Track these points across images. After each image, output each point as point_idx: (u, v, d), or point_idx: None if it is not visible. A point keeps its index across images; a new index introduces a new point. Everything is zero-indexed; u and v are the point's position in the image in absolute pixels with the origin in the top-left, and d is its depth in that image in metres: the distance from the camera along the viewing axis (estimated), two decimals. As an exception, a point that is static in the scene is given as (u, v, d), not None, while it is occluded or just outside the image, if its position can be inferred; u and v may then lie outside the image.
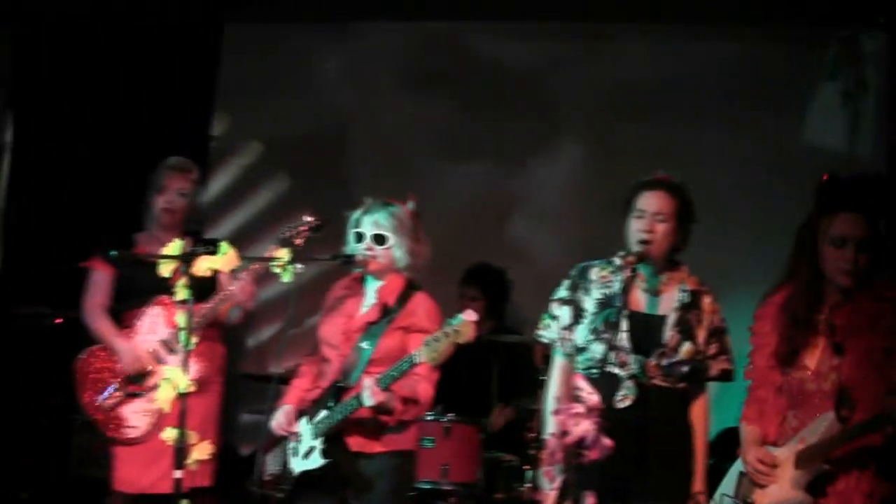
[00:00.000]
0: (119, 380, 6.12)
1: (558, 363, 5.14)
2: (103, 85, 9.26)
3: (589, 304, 5.03)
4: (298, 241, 5.45)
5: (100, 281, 6.28)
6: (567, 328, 5.07)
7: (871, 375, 4.58)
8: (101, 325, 6.22)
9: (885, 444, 4.50)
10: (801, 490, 4.65)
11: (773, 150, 8.37)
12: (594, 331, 4.96)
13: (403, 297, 5.41)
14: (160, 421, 5.93)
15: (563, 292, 5.13)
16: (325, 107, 9.33)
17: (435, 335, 4.91)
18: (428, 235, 5.55)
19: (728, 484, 5.09)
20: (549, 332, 5.14)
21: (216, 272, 5.39)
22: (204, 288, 5.96)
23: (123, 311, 6.23)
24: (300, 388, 5.60)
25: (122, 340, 6.12)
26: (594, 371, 4.79)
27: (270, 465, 5.57)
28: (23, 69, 9.54)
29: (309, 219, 5.52)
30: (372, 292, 5.48)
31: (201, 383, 5.23)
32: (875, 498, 4.61)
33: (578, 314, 5.04)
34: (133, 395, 6.10)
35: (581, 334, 5.02)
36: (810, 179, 5.02)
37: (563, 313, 5.09)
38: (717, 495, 5.09)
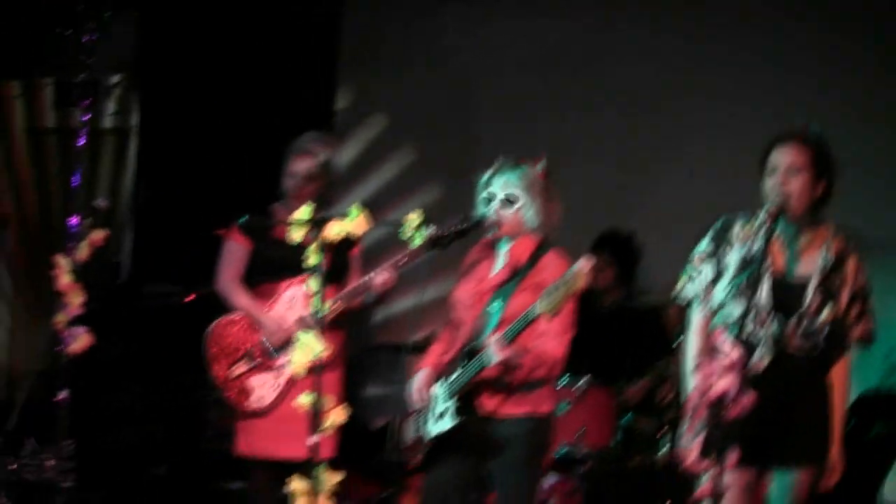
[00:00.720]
0: (252, 351, 6.16)
1: (697, 320, 5.04)
2: (226, 64, 9.38)
3: (730, 260, 4.93)
4: (446, 242, 5.42)
5: (235, 252, 6.27)
6: (708, 284, 4.98)
7: None
8: (239, 297, 6.22)
9: None
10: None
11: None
12: (735, 289, 4.86)
13: (535, 256, 5.33)
14: (288, 391, 5.99)
15: (705, 246, 5.03)
16: (449, 76, 9.29)
17: (553, 285, 4.85)
18: (561, 196, 5.48)
19: None
20: (690, 287, 5.05)
21: (345, 253, 5.43)
22: (339, 268, 6.01)
23: (261, 283, 6.23)
24: (436, 353, 5.58)
25: (265, 312, 6.15)
26: (733, 331, 4.71)
27: (407, 431, 5.59)
28: (146, 51, 9.70)
29: (459, 223, 5.42)
30: (503, 253, 5.43)
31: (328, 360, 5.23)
32: None
33: (720, 270, 4.96)
34: (262, 368, 6.14)
35: (721, 291, 4.93)
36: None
37: (706, 269, 4.99)
38: None
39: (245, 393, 6.13)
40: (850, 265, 4.85)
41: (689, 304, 5.10)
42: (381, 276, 5.82)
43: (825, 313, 4.79)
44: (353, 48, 9.59)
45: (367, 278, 5.90)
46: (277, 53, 9.38)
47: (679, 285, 5.07)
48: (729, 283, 4.87)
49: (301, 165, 6.19)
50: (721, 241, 4.95)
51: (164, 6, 9.53)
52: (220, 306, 6.37)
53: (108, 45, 7.35)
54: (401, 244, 5.21)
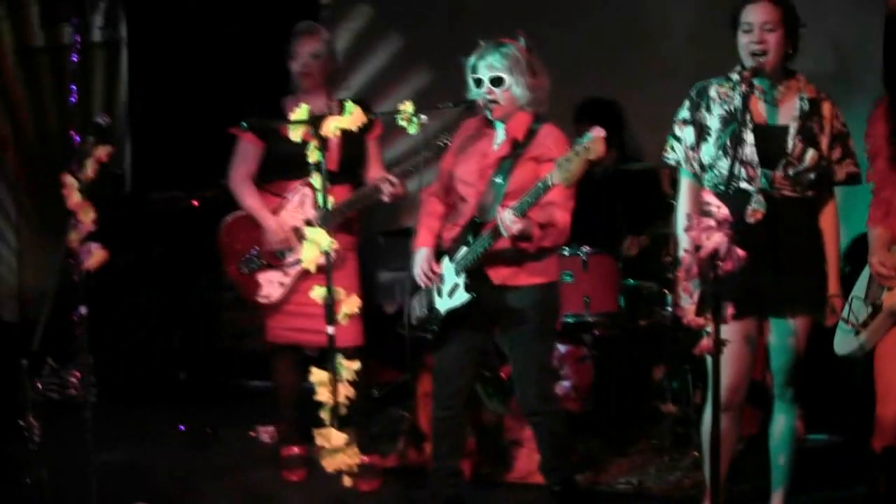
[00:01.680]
0: (259, 250, 6.31)
1: (686, 183, 5.21)
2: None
3: (712, 121, 5.07)
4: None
5: (247, 150, 6.41)
6: (692, 147, 5.13)
7: None
8: (248, 197, 6.37)
9: None
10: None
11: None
12: (721, 147, 5.00)
13: (532, 131, 5.44)
14: (298, 286, 6.15)
15: (684, 112, 5.18)
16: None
17: (566, 156, 4.93)
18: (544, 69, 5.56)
19: (860, 287, 5.16)
20: (674, 153, 5.20)
21: (361, 141, 5.54)
22: (352, 164, 6.12)
23: (273, 181, 6.37)
24: (431, 229, 5.67)
25: (268, 215, 6.29)
26: (722, 187, 4.84)
27: (417, 308, 5.68)
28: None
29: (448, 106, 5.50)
30: (501, 130, 5.53)
31: (338, 255, 5.33)
32: None
33: (702, 132, 5.09)
34: (270, 266, 6.29)
35: (707, 152, 5.07)
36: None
37: (687, 133, 5.14)
38: (850, 298, 5.16)
39: (255, 289, 6.30)
40: (826, 110, 5.04)
41: (676, 168, 5.26)
42: (389, 186, 5.96)
43: (808, 157, 4.95)
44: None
45: (374, 186, 6.02)
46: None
47: (665, 150, 5.23)
48: (714, 142, 5.01)
49: (308, 45, 6.33)
50: (699, 105, 5.10)
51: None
52: (227, 207, 6.51)
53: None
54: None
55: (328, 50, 6.40)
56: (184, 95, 9.40)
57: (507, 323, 5.47)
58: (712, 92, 5.10)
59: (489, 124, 5.58)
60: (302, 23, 6.50)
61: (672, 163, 5.22)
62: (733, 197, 4.64)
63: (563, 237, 5.43)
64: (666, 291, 7.04)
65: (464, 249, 5.41)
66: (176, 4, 9.45)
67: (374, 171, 6.35)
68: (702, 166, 5.10)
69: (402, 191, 6.03)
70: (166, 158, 9.37)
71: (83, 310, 5.08)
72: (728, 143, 4.96)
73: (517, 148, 5.43)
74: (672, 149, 5.20)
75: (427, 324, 5.60)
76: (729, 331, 4.25)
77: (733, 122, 4.95)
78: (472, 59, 5.49)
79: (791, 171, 4.94)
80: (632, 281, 7.34)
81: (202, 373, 8.94)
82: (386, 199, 6.06)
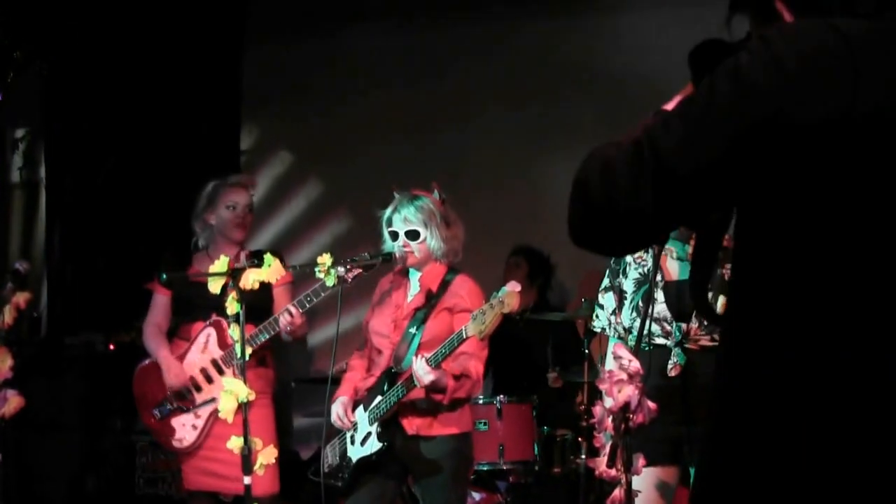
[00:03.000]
0: (169, 395, 6.33)
1: (611, 346, 5.29)
2: (130, 111, 9.43)
3: (627, 285, 5.19)
4: (350, 277, 5.48)
5: (158, 302, 6.46)
6: (613, 313, 5.23)
7: None
8: (152, 342, 6.40)
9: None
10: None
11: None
12: (635, 308, 5.11)
13: (445, 282, 5.53)
14: (211, 430, 6.16)
15: (605, 281, 5.30)
16: (345, 108, 9.43)
17: (481, 308, 5.02)
18: (460, 218, 5.66)
19: None
20: (598, 320, 5.31)
21: (269, 287, 5.57)
22: (259, 305, 6.14)
23: (180, 325, 6.40)
24: (352, 381, 5.74)
25: (168, 358, 6.30)
26: (645, 346, 4.91)
27: (329, 456, 5.71)
28: (51, 103, 9.73)
29: (369, 260, 5.52)
30: (415, 281, 5.62)
31: (255, 396, 5.32)
32: None
33: (621, 298, 5.20)
34: (181, 410, 6.30)
35: (626, 315, 5.17)
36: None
37: (608, 300, 5.25)
38: None
39: (170, 434, 6.30)
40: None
41: (601, 334, 5.36)
42: (286, 317, 5.93)
43: (720, 304, 5.00)
44: (253, 88, 9.71)
45: (272, 320, 6.04)
46: (181, 99, 9.45)
47: (592, 318, 5.33)
48: (629, 305, 5.12)
49: (244, 197, 6.38)
50: (617, 272, 5.21)
51: (68, 61, 9.56)
52: (143, 350, 6.55)
53: (14, 98, 7.41)
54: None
55: (252, 203, 6.49)
56: (101, 238, 9.41)
57: (420, 472, 5.50)
58: (628, 257, 5.22)
59: (405, 274, 5.67)
60: (235, 175, 6.61)
61: (598, 330, 5.32)
62: (657, 354, 4.73)
63: (476, 388, 5.49)
64: (581, 440, 7.09)
65: (378, 398, 5.46)
66: (98, 146, 9.50)
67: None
68: (625, 329, 5.19)
69: (298, 322, 5.93)
70: (84, 300, 9.36)
71: (-1, 457, 5.08)
72: (640, 304, 5.06)
73: (431, 299, 5.51)
74: (597, 317, 5.31)
75: (339, 471, 5.62)
76: (643, 480, 4.31)
77: (645, 283, 5.06)
78: (387, 212, 5.58)
79: (704, 322, 5.02)
80: (546, 429, 7.37)
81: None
82: (282, 328, 5.94)
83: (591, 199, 2.04)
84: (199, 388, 6.24)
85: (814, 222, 1.96)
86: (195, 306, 6.17)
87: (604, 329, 5.29)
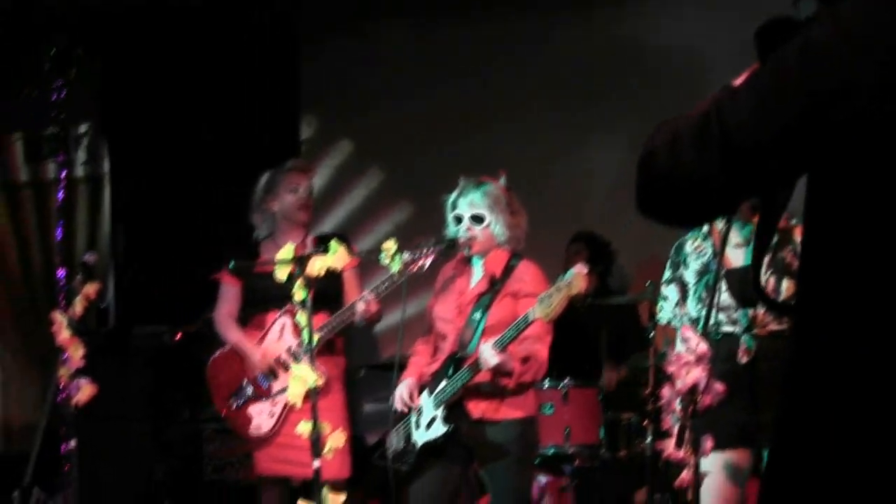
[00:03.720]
0: (246, 382, 6.37)
1: (679, 330, 5.28)
2: (191, 103, 9.50)
3: (689, 276, 5.19)
4: (415, 267, 5.56)
5: (228, 292, 6.49)
6: (678, 304, 5.24)
7: None
8: (230, 332, 6.43)
9: None
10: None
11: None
12: (699, 299, 5.11)
13: (509, 267, 5.55)
14: (288, 417, 6.20)
15: (666, 273, 5.32)
16: (410, 98, 9.43)
17: (548, 291, 5.04)
18: (523, 206, 5.69)
19: None
20: (664, 313, 5.32)
21: (338, 273, 5.61)
22: (329, 292, 6.19)
23: (253, 315, 6.44)
24: (418, 365, 5.76)
25: (252, 346, 6.35)
26: (714, 335, 4.91)
27: (395, 441, 5.74)
28: (112, 97, 9.82)
29: (429, 249, 5.57)
30: (479, 267, 5.64)
31: (325, 385, 5.36)
32: None
33: (685, 289, 5.20)
34: (258, 398, 6.34)
35: (691, 306, 5.18)
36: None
37: (671, 292, 5.27)
38: None
39: (246, 422, 6.35)
40: (797, 234, 5.09)
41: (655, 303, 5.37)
42: (362, 305, 6.01)
43: (784, 288, 5.01)
44: (314, 78, 9.74)
45: (349, 307, 6.09)
46: (241, 90, 9.51)
47: (657, 311, 5.34)
48: (693, 296, 5.12)
49: (305, 181, 6.43)
50: (679, 264, 5.21)
51: (127, 52, 9.65)
52: (210, 341, 6.59)
53: (75, 95, 7.48)
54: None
55: (313, 189, 6.54)
56: (165, 229, 9.49)
57: (485, 456, 5.52)
58: (688, 248, 5.23)
59: (467, 262, 5.69)
60: (293, 160, 6.65)
61: (664, 323, 5.32)
62: (726, 342, 4.74)
63: (542, 371, 5.51)
64: (646, 423, 7.08)
65: (443, 382, 5.48)
66: (159, 139, 9.58)
67: (352, 297, 6.41)
68: (691, 320, 5.18)
69: (374, 309, 6.04)
70: (149, 292, 9.44)
71: (73, 443, 5.14)
72: (704, 294, 5.06)
73: (495, 284, 5.53)
74: (661, 309, 5.32)
75: (404, 456, 5.65)
76: (712, 463, 4.31)
77: (706, 273, 5.06)
78: (452, 196, 5.62)
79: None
80: (612, 412, 7.36)
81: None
82: (357, 318, 6.05)
83: (658, 169, 2.05)
84: (275, 376, 6.29)
85: (890, 201, 1.93)
86: (266, 296, 6.20)
87: (669, 321, 5.29)
